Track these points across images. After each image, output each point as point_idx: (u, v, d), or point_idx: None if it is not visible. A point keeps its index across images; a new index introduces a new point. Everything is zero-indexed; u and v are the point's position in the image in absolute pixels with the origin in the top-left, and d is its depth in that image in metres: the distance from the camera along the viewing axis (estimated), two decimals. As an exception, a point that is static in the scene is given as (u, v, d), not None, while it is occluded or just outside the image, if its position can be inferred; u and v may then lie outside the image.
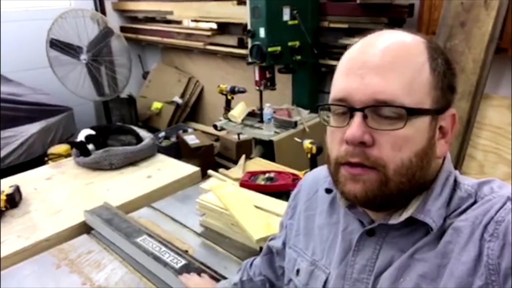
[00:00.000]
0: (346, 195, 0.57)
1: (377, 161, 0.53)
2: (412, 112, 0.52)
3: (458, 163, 2.03)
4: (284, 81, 2.74)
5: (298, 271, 0.71)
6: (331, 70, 2.69)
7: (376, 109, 0.53)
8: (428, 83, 0.54)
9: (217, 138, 3.44)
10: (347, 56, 0.59)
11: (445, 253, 0.53)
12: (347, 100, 0.55)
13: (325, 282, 0.65)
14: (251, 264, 0.94)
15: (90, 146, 1.93)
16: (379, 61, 0.53)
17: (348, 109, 0.55)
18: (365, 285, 0.59)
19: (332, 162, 0.59)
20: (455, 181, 0.59)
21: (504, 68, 2.05)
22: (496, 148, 2.07)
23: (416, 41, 0.57)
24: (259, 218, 1.27)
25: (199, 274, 1.08)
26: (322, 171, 0.76)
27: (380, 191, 0.54)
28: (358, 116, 0.53)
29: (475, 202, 0.55)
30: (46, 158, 3.00)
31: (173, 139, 3.50)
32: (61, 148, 3.07)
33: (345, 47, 2.60)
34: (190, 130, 3.63)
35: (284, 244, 0.81)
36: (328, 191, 0.70)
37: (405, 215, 0.56)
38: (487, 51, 1.86)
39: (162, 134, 3.56)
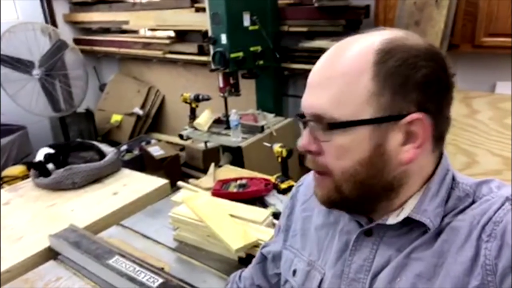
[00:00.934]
0: (316, 197, 0.62)
1: (324, 168, 0.58)
2: (343, 125, 0.54)
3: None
4: (248, 87, 2.73)
5: (294, 271, 0.71)
6: (294, 73, 2.72)
7: (315, 122, 0.56)
8: (365, 92, 0.53)
9: (182, 148, 3.37)
10: None
11: (441, 253, 0.54)
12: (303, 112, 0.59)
13: (320, 282, 0.65)
14: (240, 277, 0.92)
15: (50, 166, 1.83)
16: (315, 79, 0.57)
17: (300, 121, 0.60)
18: (362, 285, 0.59)
19: None
20: (454, 180, 0.59)
21: (457, 63, 2.16)
22: (453, 140, 2.17)
23: (363, 48, 0.54)
24: (235, 227, 1.25)
25: None
26: None
27: (337, 194, 0.58)
28: (306, 128, 0.58)
29: (473, 202, 0.56)
30: (0, 182, 2.82)
31: (136, 152, 3.40)
32: (17, 169, 2.90)
33: (305, 50, 2.68)
34: (153, 141, 3.54)
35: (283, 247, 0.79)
36: None
37: (403, 215, 0.57)
38: (441, 48, 1.94)
39: (124, 147, 3.44)
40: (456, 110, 2.12)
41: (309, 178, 0.79)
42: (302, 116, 0.59)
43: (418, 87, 0.53)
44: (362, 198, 0.57)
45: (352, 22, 2.35)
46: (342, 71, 0.54)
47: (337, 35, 2.33)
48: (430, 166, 0.59)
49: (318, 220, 0.70)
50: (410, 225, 0.57)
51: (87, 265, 1.24)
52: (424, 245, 0.55)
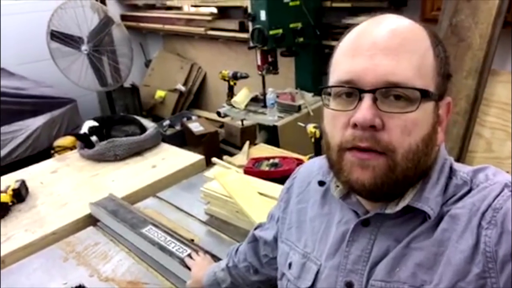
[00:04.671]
0: (353, 183, 0.54)
1: (387, 145, 0.51)
2: (425, 95, 0.52)
3: (465, 142, 1.99)
4: (287, 65, 2.69)
5: (290, 264, 0.70)
6: (335, 51, 2.64)
7: (387, 92, 0.51)
8: (433, 68, 0.54)
9: (222, 125, 3.42)
10: (351, 38, 0.56)
11: (441, 241, 0.52)
12: (355, 82, 0.52)
13: (317, 273, 0.64)
14: (236, 250, 0.95)
15: (94, 138, 1.93)
16: (389, 42, 0.52)
17: (357, 91, 0.52)
18: (360, 276, 0.58)
19: (334, 148, 0.56)
20: (451, 168, 0.58)
21: (512, 43, 1.99)
22: (504, 125, 2.03)
23: (418, 26, 0.56)
24: (263, 204, 1.27)
25: (204, 254, 1.12)
26: (315, 163, 0.76)
27: (388, 178, 0.52)
28: (368, 99, 0.51)
29: (470, 189, 0.54)
30: (52, 151, 3.01)
31: (178, 127, 3.49)
32: (67, 140, 3.07)
33: (349, 27, 2.56)
34: (194, 117, 3.61)
35: (275, 238, 0.80)
36: (321, 183, 0.68)
37: (402, 204, 0.55)
38: (494, 25, 1.79)
39: (166, 122, 3.55)
40: (509, 93, 1.97)
41: (303, 171, 0.78)
42: (353, 87, 0.53)
43: (448, 76, 0.57)
44: (410, 180, 0.54)
45: (397, -2, 2.24)
46: (416, 41, 0.53)
47: (383, 11, 2.23)
48: (435, 154, 0.58)
49: (313, 211, 0.69)
50: (408, 214, 0.56)
51: (122, 233, 1.31)
52: (423, 234, 0.54)
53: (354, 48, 0.54)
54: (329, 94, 0.57)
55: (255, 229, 0.90)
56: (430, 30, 0.56)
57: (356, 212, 0.61)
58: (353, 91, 0.53)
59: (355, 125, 0.52)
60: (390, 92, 0.51)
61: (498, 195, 0.51)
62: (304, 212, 0.71)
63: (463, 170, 0.57)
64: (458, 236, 0.51)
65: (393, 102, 0.51)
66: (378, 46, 0.52)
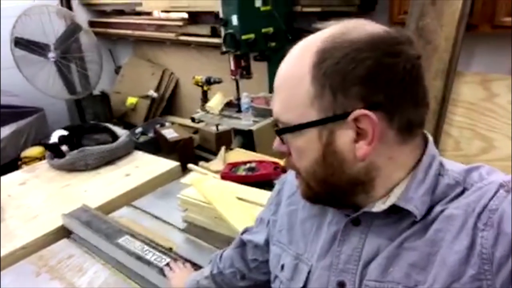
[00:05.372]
0: None
1: (294, 167, 0.60)
2: (290, 129, 0.56)
3: (435, 141, 2.06)
4: (260, 69, 2.70)
5: (282, 266, 0.70)
6: (306, 55, 2.68)
7: (277, 126, 0.59)
8: (307, 96, 0.53)
9: (196, 131, 3.39)
10: None
11: (434, 241, 0.52)
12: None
13: (308, 274, 0.64)
14: (220, 256, 0.93)
15: (64, 147, 1.87)
16: (276, 83, 0.59)
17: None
18: (352, 276, 0.58)
19: None
20: (442, 166, 0.57)
21: (476, 45, 2.08)
22: (471, 124, 2.11)
23: (303, 51, 0.54)
24: (241, 209, 1.26)
25: (183, 264, 1.09)
26: None
27: (311, 191, 0.60)
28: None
29: (464, 189, 0.54)
30: (19, 162, 2.90)
31: (151, 134, 3.43)
32: (35, 150, 2.98)
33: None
34: (167, 124, 3.56)
35: (266, 241, 0.79)
36: None
37: (388, 202, 0.55)
38: (458, 28, 1.87)
39: (139, 129, 3.48)
40: (474, 93, 2.06)
41: (293, 174, 0.78)
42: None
43: (360, 81, 0.50)
44: (331, 194, 0.59)
45: (367, 2, 2.29)
46: (285, 77, 0.57)
47: (352, 15, 2.28)
48: (408, 155, 0.56)
49: (304, 213, 0.70)
50: (398, 214, 0.56)
51: (97, 244, 1.27)
52: (416, 234, 0.54)
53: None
54: None
55: (242, 233, 0.88)
56: (324, 44, 0.52)
57: (346, 213, 0.61)
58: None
59: None
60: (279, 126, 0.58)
61: (494, 195, 0.51)
62: (295, 214, 0.71)
63: (455, 169, 0.57)
64: (453, 237, 0.51)
65: (279, 134, 0.59)
66: (275, 86, 0.59)
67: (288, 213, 0.73)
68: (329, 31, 0.54)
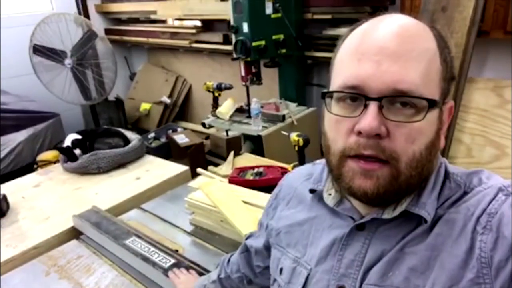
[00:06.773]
0: (355, 191, 0.53)
1: (391, 154, 0.50)
2: (432, 104, 0.50)
3: (445, 148, 2.04)
4: (270, 76, 2.73)
5: (281, 270, 0.69)
6: (317, 62, 2.69)
7: (394, 99, 0.49)
8: (439, 74, 0.52)
9: (207, 136, 3.42)
10: (356, 38, 0.54)
11: (435, 246, 0.52)
12: (361, 88, 0.50)
13: (307, 278, 0.62)
14: (228, 261, 0.93)
15: (77, 151, 1.92)
16: (397, 48, 0.49)
17: (362, 98, 0.50)
18: (352, 281, 0.56)
19: (335, 153, 0.54)
20: (446, 171, 0.57)
21: (488, 51, 2.06)
22: (482, 131, 2.08)
23: (426, 28, 0.54)
24: (247, 213, 1.27)
25: (187, 270, 1.09)
26: (302, 170, 0.76)
27: (391, 186, 0.51)
28: (374, 106, 0.49)
29: (464, 193, 0.54)
30: (35, 166, 2.96)
31: (163, 140, 3.48)
32: (50, 154, 3.04)
33: (329, 38, 2.65)
34: (179, 129, 3.61)
35: (265, 246, 0.79)
36: (312, 191, 0.67)
37: (400, 209, 0.54)
38: (469, 34, 1.86)
39: (151, 135, 3.54)
40: (486, 100, 2.03)
41: (290, 177, 0.78)
42: (355, 93, 0.51)
43: (452, 79, 0.55)
44: (413, 187, 0.53)
45: (377, 9, 2.29)
46: (425, 46, 0.51)
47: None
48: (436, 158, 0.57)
49: (301, 216, 0.68)
50: (403, 218, 0.55)
51: (106, 245, 1.30)
52: (417, 238, 0.53)
53: (361, 52, 0.51)
54: (331, 97, 0.55)
55: (247, 238, 0.88)
56: (436, 31, 0.54)
57: (351, 216, 0.60)
58: (358, 97, 0.51)
59: (359, 133, 0.50)
60: (396, 100, 0.50)
61: (493, 199, 0.51)
62: (292, 217, 0.70)
63: (457, 172, 0.57)
64: (453, 241, 0.51)
65: (399, 110, 0.50)
66: (385, 52, 0.49)
67: (286, 216, 0.72)
68: (411, 19, 0.54)
